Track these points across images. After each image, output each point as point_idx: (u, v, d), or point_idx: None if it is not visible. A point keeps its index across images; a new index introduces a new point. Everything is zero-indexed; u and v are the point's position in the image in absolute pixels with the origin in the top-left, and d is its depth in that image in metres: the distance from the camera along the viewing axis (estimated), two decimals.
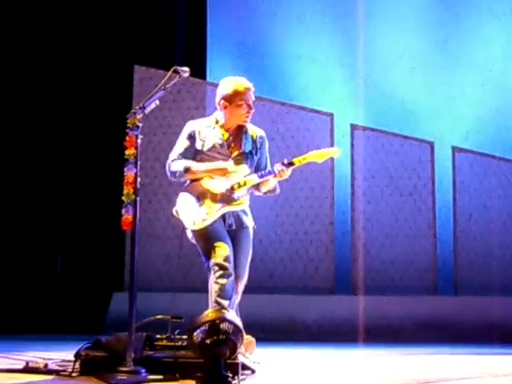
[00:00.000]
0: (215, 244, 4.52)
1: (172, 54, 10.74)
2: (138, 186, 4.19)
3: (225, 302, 4.43)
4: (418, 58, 10.40)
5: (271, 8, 10.93)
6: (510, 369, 5.23)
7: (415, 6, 10.53)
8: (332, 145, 9.16)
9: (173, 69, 4.52)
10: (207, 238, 4.56)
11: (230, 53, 10.80)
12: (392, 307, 8.39)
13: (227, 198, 4.60)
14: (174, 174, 4.61)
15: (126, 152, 4.23)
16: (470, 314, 8.18)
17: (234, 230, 4.67)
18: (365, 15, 10.57)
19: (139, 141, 4.23)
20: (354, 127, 9.38)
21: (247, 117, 4.69)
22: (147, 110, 4.33)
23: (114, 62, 10.00)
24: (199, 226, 4.56)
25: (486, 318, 8.06)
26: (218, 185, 4.60)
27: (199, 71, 10.23)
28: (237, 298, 4.70)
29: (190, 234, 4.68)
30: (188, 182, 4.68)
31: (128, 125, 4.28)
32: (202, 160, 4.63)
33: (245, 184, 4.61)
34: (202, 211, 4.56)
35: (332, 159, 9.09)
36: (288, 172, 4.59)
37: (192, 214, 4.58)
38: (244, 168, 4.64)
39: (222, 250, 4.51)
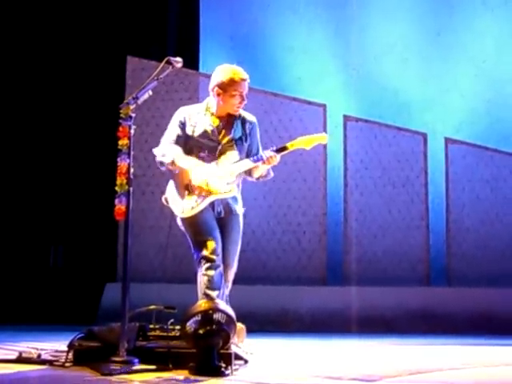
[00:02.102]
0: (203, 237, 4.53)
1: (164, 45, 10.69)
2: (131, 176, 4.18)
3: (213, 293, 4.44)
4: (411, 50, 10.38)
5: None
6: (502, 359, 5.26)
7: None
8: None
9: (166, 59, 4.52)
10: (195, 227, 4.56)
11: (223, 44, 10.77)
12: (385, 298, 8.40)
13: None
14: (160, 163, 4.62)
15: (119, 142, 4.23)
16: (462, 304, 8.19)
17: (223, 218, 4.67)
18: (358, 6, 10.55)
19: (132, 131, 4.22)
20: (346, 118, 9.38)
21: (239, 107, 4.69)
22: (140, 101, 4.33)
23: (106, 53, 9.96)
24: (188, 213, 4.55)
25: (479, 309, 8.08)
26: (206, 172, 4.57)
27: (192, 62, 10.20)
28: (227, 288, 4.71)
29: (179, 222, 4.69)
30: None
31: (121, 115, 4.28)
32: (191, 146, 4.63)
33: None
34: (190, 199, 4.56)
35: (325, 150, 9.13)
36: (277, 158, 4.60)
37: (181, 201, 4.57)
38: (233, 154, 4.64)
39: (210, 243, 4.51)
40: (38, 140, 10.06)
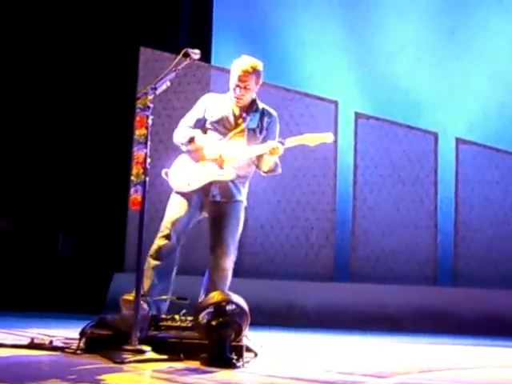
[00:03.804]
0: (170, 209, 4.70)
1: (177, 36, 10.68)
2: (148, 166, 4.18)
3: (153, 262, 4.58)
4: (423, 49, 10.37)
5: None
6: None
7: None
8: (336, 132, 9.15)
9: (184, 51, 4.53)
10: (172, 205, 4.72)
11: (235, 37, 10.76)
12: (391, 296, 8.40)
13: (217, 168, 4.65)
14: (179, 142, 4.76)
15: (137, 132, 4.21)
16: (468, 305, 8.19)
17: (218, 202, 4.71)
18: (371, 3, 10.54)
19: (150, 121, 4.22)
20: (358, 115, 9.37)
21: (240, 98, 4.71)
22: (158, 91, 4.33)
23: (119, 44, 9.96)
24: (183, 188, 4.68)
25: (485, 310, 8.08)
26: (211, 152, 4.66)
27: (204, 55, 10.11)
28: (224, 277, 4.70)
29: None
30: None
31: (139, 105, 4.27)
32: (205, 130, 4.75)
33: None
34: (190, 175, 4.66)
35: (336, 147, 9.12)
36: (280, 150, 4.60)
37: (181, 176, 4.69)
38: (240, 143, 4.67)
39: (171, 218, 4.66)
40: (49, 129, 10.08)
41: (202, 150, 4.68)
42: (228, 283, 4.74)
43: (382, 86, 10.23)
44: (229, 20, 10.92)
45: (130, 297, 4.29)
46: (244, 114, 4.75)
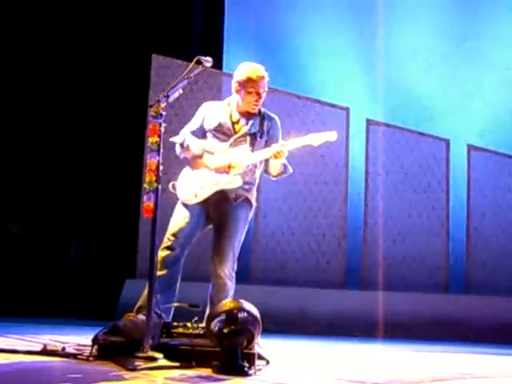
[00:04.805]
0: (173, 221, 4.71)
1: (189, 43, 10.71)
2: (161, 174, 4.20)
3: (160, 272, 4.57)
4: (435, 56, 10.35)
5: (289, 0, 10.90)
6: None
7: (434, 4, 10.48)
8: (347, 139, 9.16)
9: (196, 59, 4.57)
10: (176, 216, 4.73)
11: (247, 44, 10.78)
12: (403, 304, 8.37)
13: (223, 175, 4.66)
14: (178, 149, 4.82)
15: (149, 140, 4.23)
16: (481, 313, 8.15)
17: (225, 209, 4.71)
18: (383, 10, 10.53)
19: (163, 129, 4.23)
20: (369, 122, 9.37)
21: (256, 105, 4.74)
22: (171, 99, 4.36)
23: (131, 51, 10.00)
24: (190, 200, 4.69)
25: (498, 318, 8.04)
26: (216, 161, 4.67)
27: (216, 61, 10.15)
28: (223, 284, 4.71)
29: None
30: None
31: (151, 113, 4.30)
32: (206, 138, 4.76)
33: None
34: (196, 186, 4.67)
35: (347, 154, 9.12)
36: (284, 153, 4.62)
37: (187, 187, 4.71)
38: (244, 148, 4.68)
39: (175, 227, 4.68)
40: (62, 137, 10.11)
41: (199, 157, 4.71)
42: (228, 292, 4.73)
43: (394, 93, 10.21)
44: (240, 27, 10.94)
45: (131, 317, 4.32)
46: (243, 120, 4.76)
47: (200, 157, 4.74)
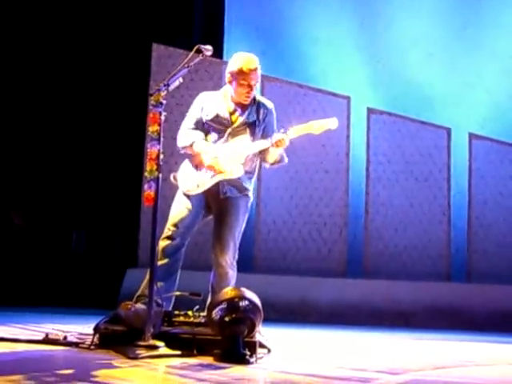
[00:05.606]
0: (173, 210, 4.73)
1: (190, 33, 10.70)
2: (161, 162, 4.19)
3: (160, 262, 4.58)
4: (436, 44, 10.30)
5: None
6: None
7: None
8: (348, 128, 9.16)
9: (196, 47, 4.54)
10: (176, 204, 4.75)
11: (248, 33, 10.75)
12: (404, 292, 8.39)
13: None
14: (182, 147, 4.77)
15: (150, 129, 4.23)
16: (482, 301, 8.16)
17: (226, 199, 4.72)
18: None
19: (163, 118, 4.23)
20: (370, 111, 9.35)
21: (247, 97, 4.71)
22: (171, 88, 4.35)
23: (132, 40, 9.98)
24: (193, 191, 4.69)
25: (499, 306, 8.05)
26: (217, 153, 4.66)
27: (216, 51, 10.13)
28: (224, 274, 4.71)
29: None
30: None
31: (152, 102, 4.29)
32: (204, 130, 4.74)
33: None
34: (198, 177, 4.67)
35: (348, 142, 9.12)
36: (286, 142, 4.60)
37: (189, 179, 4.71)
38: (245, 138, 4.67)
39: (175, 216, 4.70)
40: (63, 126, 10.12)
41: (200, 155, 4.69)
42: (230, 281, 4.73)
43: (395, 82, 10.19)
44: (241, 16, 10.91)
45: (129, 305, 4.33)
46: (238, 110, 4.74)
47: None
